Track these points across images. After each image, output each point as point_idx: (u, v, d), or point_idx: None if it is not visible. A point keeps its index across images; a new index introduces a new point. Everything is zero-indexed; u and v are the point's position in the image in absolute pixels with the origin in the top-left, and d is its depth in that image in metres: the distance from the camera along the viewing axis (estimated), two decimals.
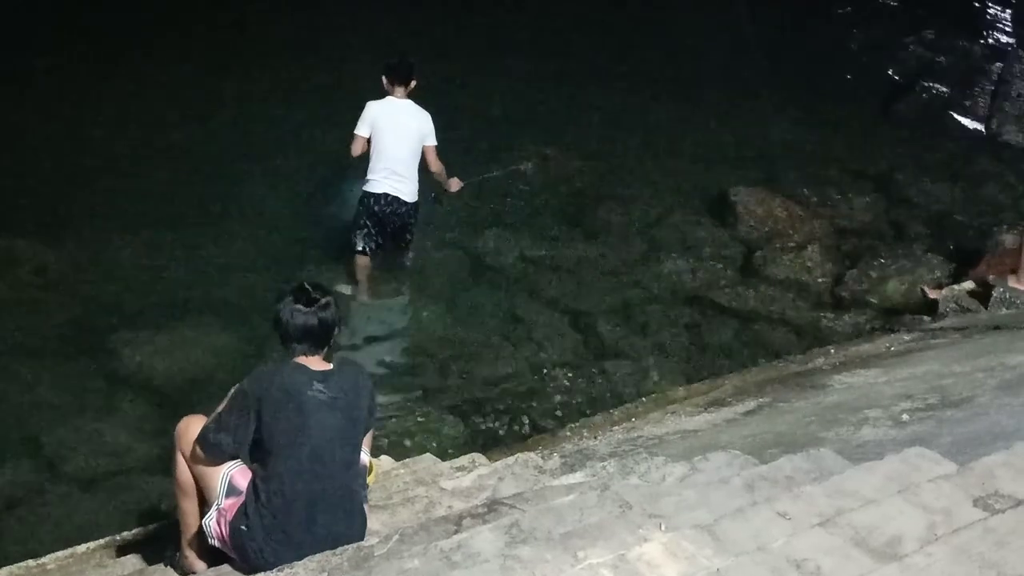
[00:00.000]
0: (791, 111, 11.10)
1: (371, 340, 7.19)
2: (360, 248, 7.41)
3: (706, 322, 7.72)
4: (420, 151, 7.30)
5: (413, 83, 7.29)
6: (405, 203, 7.34)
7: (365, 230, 7.37)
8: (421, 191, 7.45)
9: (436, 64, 9.24)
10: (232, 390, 3.99)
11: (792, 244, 8.72)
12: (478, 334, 7.32)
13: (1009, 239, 8.50)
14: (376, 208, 7.31)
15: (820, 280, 8.38)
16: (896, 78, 12.29)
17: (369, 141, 7.22)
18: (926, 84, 12.07)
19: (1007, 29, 13.61)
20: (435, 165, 7.42)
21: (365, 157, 7.27)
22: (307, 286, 4.02)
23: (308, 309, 3.94)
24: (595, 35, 12.18)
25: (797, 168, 10.02)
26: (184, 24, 11.11)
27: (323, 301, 4.00)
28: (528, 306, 7.69)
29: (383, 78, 7.26)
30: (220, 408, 3.97)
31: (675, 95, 11.16)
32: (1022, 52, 12.71)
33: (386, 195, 7.28)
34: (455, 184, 7.73)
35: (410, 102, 7.28)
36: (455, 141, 8.17)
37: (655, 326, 7.61)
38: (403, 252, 7.70)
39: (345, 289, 7.45)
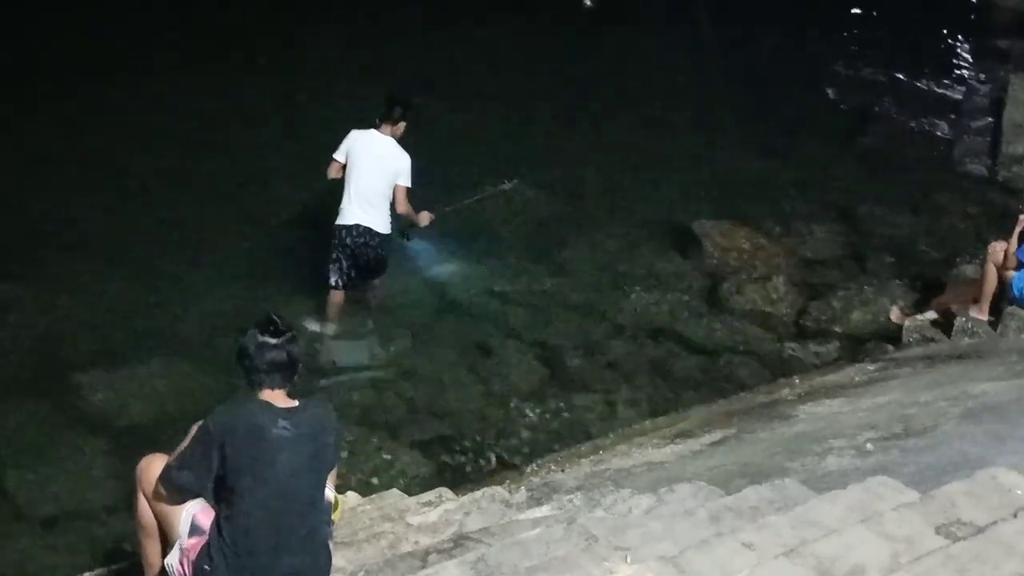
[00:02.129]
0: (757, 143, 11.16)
1: (338, 375, 7.17)
2: (333, 283, 7.37)
3: (672, 354, 7.73)
4: (392, 188, 7.32)
5: (402, 125, 7.35)
6: (377, 234, 7.32)
7: (338, 264, 7.33)
8: (392, 225, 7.47)
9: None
10: (195, 427, 3.96)
11: (757, 275, 8.73)
12: (445, 368, 7.31)
13: (970, 269, 8.59)
14: (348, 240, 7.29)
15: (785, 311, 8.39)
16: (860, 109, 12.46)
17: (345, 168, 7.28)
18: (890, 115, 12.22)
19: (967, 62, 13.87)
20: (403, 206, 7.41)
21: (340, 184, 7.31)
22: (275, 317, 3.96)
23: (276, 341, 3.89)
24: (560, 66, 12.25)
25: (762, 200, 10.05)
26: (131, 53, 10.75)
27: (290, 334, 4.00)
28: (495, 340, 7.68)
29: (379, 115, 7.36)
30: (183, 446, 3.95)
31: (642, 128, 11.20)
32: (980, 85, 12.97)
33: (358, 226, 7.27)
34: (425, 218, 7.70)
35: (392, 141, 7.32)
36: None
37: (622, 359, 7.62)
38: (375, 286, 7.69)
39: (313, 324, 7.43)
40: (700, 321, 8.19)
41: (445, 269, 8.48)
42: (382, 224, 7.39)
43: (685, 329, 8.08)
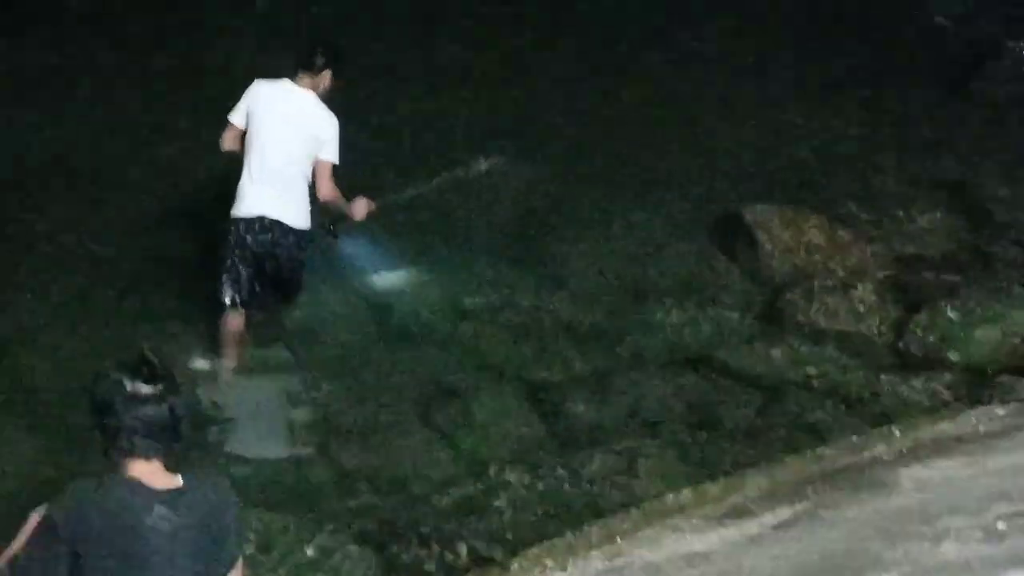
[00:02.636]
0: (832, 94, 11.26)
1: (239, 436, 7.16)
2: (228, 300, 7.40)
3: (717, 394, 7.72)
4: (312, 163, 7.38)
5: (327, 77, 7.45)
6: (290, 229, 7.38)
7: (234, 273, 7.36)
8: (313, 216, 7.55)
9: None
10: (33, 517, 3.90)
11: (834, 281, 8.69)
12: (395, 420, 7.30)
13: None
14: (250, 239, 7.34)
15: (877, 330, 8.35)
16: (977, 46, 12.44)
17: (245, 136, 7.38)
18: (1013, 50, 12.28)
19: None
20: (326, 189, 7.45)
21: (238, 160, 7.40)
22: (148, 356, 3.93)
23: (151, 390, 3.86)
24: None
25: (840, 174, 10.10)
26: None
27: (170, 380, 3.94)
28: (465, 377, 7.70)
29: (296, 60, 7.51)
30: (15, 546, 3.88)
31: (672, 73, 11.31)
32: None
33: (262, 219, 7.32)
34: (362, 209, 7.73)
35: (312, 97, 7.41)
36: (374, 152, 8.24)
37: (645, 401, 7.58)
38: (289, 304, 7.77)
39: (202, 362, 7.46)
40: (755, 346, 8.17)
41: (392, 279, 8.55)
42: (298, 215, 7.42)
43: (734, 358, 8.05)
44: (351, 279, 8.39)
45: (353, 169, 7.83)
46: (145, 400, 3.86)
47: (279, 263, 7.44)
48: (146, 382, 3.88)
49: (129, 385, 3.85)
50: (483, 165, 9.10)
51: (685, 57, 11.74)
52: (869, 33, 12.34)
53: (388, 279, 8.50)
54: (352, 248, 8.33)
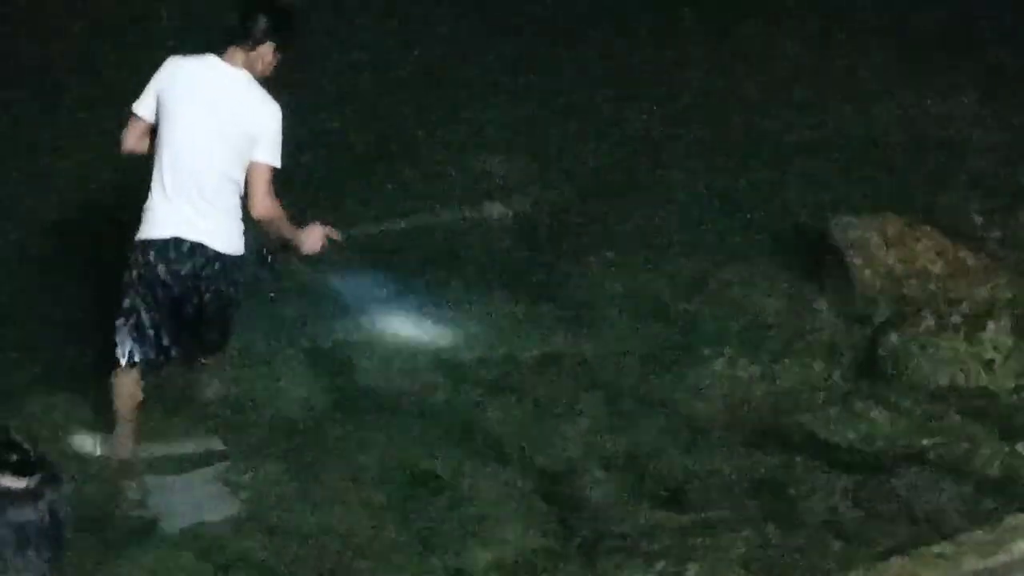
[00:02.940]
0: (941, 72, 11.31)
1: (144, 542, 7.07)
2: (124, 358, 7.36)
3: (796, 474, 7.73)
4: (244, 166, 7.38)
5: (268, 52, 7.45)
6: (217, 255, 7.39)
7: (135, 320, 7.34)
8: (247, 238, 7.57)
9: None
10: None
11: (958, 318, 8.70)
12: (359, 520, 7.28)
13: None
14: (161, 269, 7.34)
15: (1012, 386, 8.42)
16: None
17: (155, 132, 7.41)
18: None
19: None
20: (262, 202, 7.41)
21: (145, 165, 7.45)
22: (15, 439, 3.90)
23: (22, 486, 3.84)
24: None
25: (957, 176, 10.09)
26: None
27: (47, 472, 3.90)
28: (451, 460, 7.72)
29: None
30: None
31: (737, 37, 11.43)
32: None
33: (179, 242, 7.32)
34: (314, 238, 7.71)
35: (245, 76, 7.42)
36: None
37: (696, 488, 7.61)
38: (215, 356, 7.83)
39: (87, 441, 7.44)
40: (848, 409, 8.23)
41: (355, 321, 8.65)
42: (227, 237, 7.43)
43: (820, 425, 8.11)
44: (301, 323, 8.49)
45: (308, 183, 7.78)
46: (14, 499, 3.84)
47: (202, 302, 7.43)
48: (15, 474, 3.86)
49: None
50: (493, 210, 9.05)
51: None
52: None
53: (353, 323, 8.63)
54: (339, 281, 8.29)
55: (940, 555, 6.82)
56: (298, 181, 8.45)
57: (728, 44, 12.38)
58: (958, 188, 10.10)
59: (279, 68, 7.52)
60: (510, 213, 9.26)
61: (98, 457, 7.41)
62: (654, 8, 12.95)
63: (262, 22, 7.36)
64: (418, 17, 12.87)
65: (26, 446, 3.88)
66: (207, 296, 7.42)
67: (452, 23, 12.80)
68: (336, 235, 7.81)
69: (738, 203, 9.93)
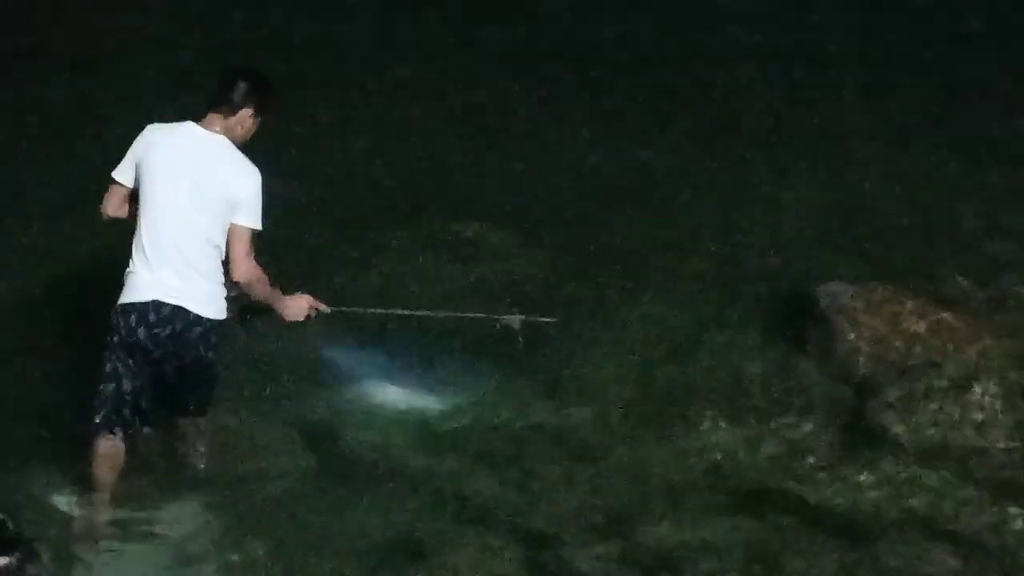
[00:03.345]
0: (926, 138, 11.28)
1: None
2: (102, 421, 7.34)
3: (785, 542, 7.64)
4: (226, 231, 7.39)
5: (247, 117, 7.49)
6: (198, 320, 7.36)
7: (114, 384, 7.31)
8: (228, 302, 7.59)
9: None
10: None
11: (945, 381, 8.71)
12: None
13: None
14: (142, 333, 7.30)
15: (1002, 446, 8.42)
16: None
17: (137, 198, 7.42)
18: None
19: None
20: (244, 264, 7.41)
21: (128, 231, 7.43)
22: None
23: (3, 563, 3.79)
24: None
25: (942, 240, 10.05)
26: None
27: (26, 547, 3.85)
28: (438, 528, 7.66)
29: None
30: None
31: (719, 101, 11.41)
32: None
33: (159, 305, 7.28)
34: (297, 305, 7.75)
35: (225, 143, 7.43)
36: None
37: (682, 557, 7.51)
38: (198, 418, 7.76)
39: (68, 503, 7.43)
40: (837, 473, 8.20)
41: (340, 390, 8.68)
42: (207, 301, 7.40)
43: (809, 490, 8.08)
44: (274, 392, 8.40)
45: (288, 246, 7.75)
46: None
47: (182, 365, 7.41)
48: None
49: None
50: (515, 321, 8.88)
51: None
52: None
53: (339, 390, 8.52)
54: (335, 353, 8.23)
55: None
56: (289, 250, 8.38)
57: (708, 104, 12.36)
58: (942, 251, 10.07)
59: (258, 134, 7.58)
60: (525, 320, 9.14)
61: (78, 524, 7.36)
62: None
63: (241, 87, 7.42)
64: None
65: (8, 523, 3.85)
66: (187, 360, 7.39)
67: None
68: (324, 308, 7.85)
69: (723, 268, 9.90)
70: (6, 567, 3.78)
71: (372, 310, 8.50)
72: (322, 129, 11.70)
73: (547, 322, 8.90)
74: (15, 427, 7.97)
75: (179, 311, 7.28)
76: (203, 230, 7.32)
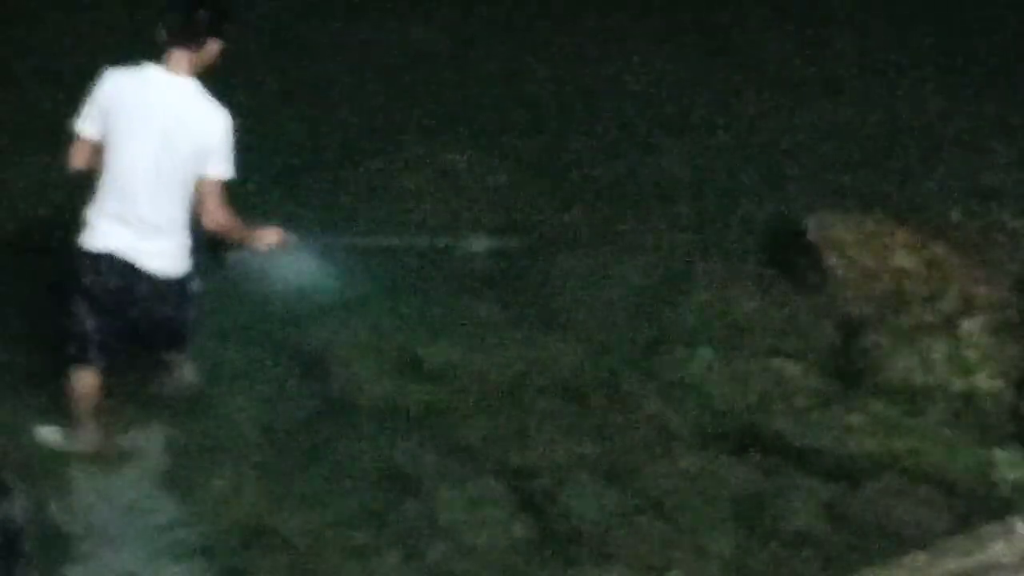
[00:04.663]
0: (923, 67, 11.30)
1: (105, 554, 7.02)
2: (75, 358, 7.42)
3: (771, 482, 7.76)
4: (193, 179, 7.30)
5: (213, 49, 7.31)
6: (151, 279, 7.36)
7: (80, 322, 7.36)
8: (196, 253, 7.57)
9: None
10: None
11: (932, 318, 8.79)
12: (325, 526, 7.25)
13: None
14: (91, 279, 7.34)
15: (989, 386, 8.45)
16: None
17: (101, 148, 7.32)
18: None
19: None
20: (216, 215, 7.36)
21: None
22: None
23: None
24: None
25: (933, 172, 10.08)
26: None
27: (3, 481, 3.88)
28: (425, 462, 7.73)
29: (159, 30, 7.30)
30: None
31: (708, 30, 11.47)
32: None
33: (110, 258, 7.30)
34: (270, 236, 7.72)
35: (192, 85, 7.29)
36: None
37: (670, 494, 7.61)
38: (175, 354, 7.79)
39: (49, 433, 7.43)
40: (824, 413, 8.25)
41: (325, 306, 8.69)
42: (167, 259, 7.39)
43: (796, 431, 8.11)
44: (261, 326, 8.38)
45: (265, 186, 7.73)
46: None
47: (142, 317, 7.43)
48: None
49: None
50: (479, 243, 8.91)
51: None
52: None
53: (322, 308, 8.60)
54: (269, 262, 8.19)
55: (915, 565, 6.80)
56: (254, 184, 8.36)
57: (700, 39, 12.36)
58: (934, 181, 10.07)
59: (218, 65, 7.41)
60: (492, 246, 9.12)
61: (55, 458, 7.36)
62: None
63: (204, 17, 7.24)
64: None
65: None
66: (154, 314, 7.42)
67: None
68: (289, 237, 7.81)
69: (712, 201, 9.89)
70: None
71: (341, 240, 8.40)
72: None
73: (515, 247, 8.95)
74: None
75: (128, 268, 7.27)
76: (173, 185, 7.25)
